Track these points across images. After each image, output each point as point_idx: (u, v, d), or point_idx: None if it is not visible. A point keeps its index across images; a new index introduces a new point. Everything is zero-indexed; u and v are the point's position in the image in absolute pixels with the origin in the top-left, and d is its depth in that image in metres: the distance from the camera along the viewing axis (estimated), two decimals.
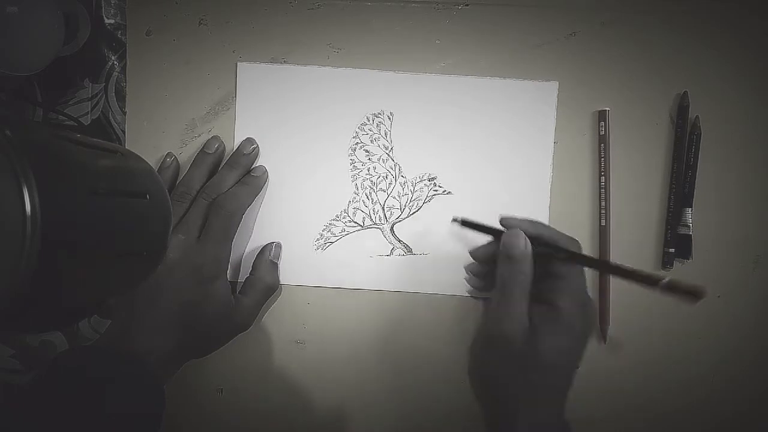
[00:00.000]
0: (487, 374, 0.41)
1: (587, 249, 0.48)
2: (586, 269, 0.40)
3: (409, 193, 0.49)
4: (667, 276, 0.35)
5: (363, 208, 0.49)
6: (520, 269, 0.38)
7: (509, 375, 0.39)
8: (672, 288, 0.34)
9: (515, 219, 0.41)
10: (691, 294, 0.34)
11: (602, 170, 0.48)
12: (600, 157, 0.48)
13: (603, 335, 0.49)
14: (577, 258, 0.39)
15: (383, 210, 0.49)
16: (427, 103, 0.48)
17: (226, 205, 0.44)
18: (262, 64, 0.48)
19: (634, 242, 0.48)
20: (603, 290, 0.48)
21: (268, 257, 0.48)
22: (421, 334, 0.49)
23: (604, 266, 0.46)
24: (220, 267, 0.44)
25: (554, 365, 0.38)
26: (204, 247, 0.43)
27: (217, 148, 0.47)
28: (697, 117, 0.47)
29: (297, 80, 0.48)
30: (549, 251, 0.39)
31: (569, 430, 0.39)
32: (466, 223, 0.43)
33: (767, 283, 0.48)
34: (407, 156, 0.49)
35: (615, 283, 0.48)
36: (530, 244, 0.39)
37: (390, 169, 0.49)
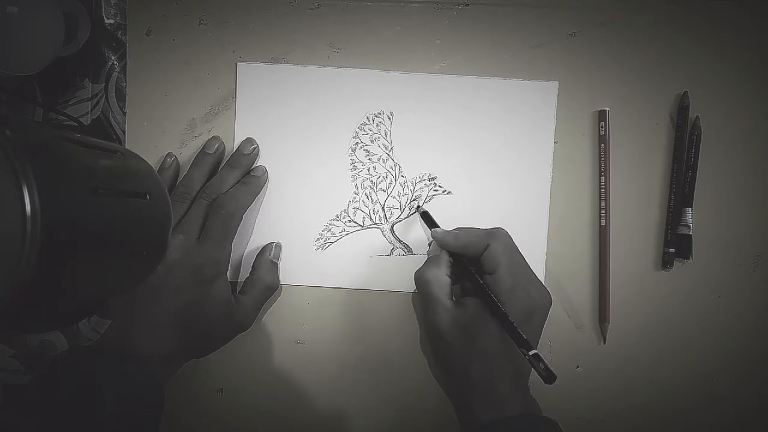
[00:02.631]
0: (440, 370, 0.47)
1: (588, 249, 0.48)
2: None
3: (409, 193, 0.49)
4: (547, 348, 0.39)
5: (363, 208, 0.49)
6: (432, 272, 0.43)
7: (455, 366, 0.42)
8: (534, 362, 0.38)
9: (438, 232, 0.46)
10: (545, 376, 0.37)
11: (602, 170, 0.48)
12: (600, 157, 0.48)
13: (603, 335, 0.49)
14: (466, 274, 0.44)
15: (383, 210, 0.49)
16: (427, 103, 0.48)
17: (226, 206, 0.44)
18: (262, 64, 0.48)
19: (634, 242, 0.48)
20: (603, 290, 0.48)
21: (268, 257, 0.48)
22: (421, 334, 0.49)
23: (480, 294, 0.43)
24: (220, 267, 0.44)
25: (494, 355, 0.40)
26: (204, 247, 0.43)
27: (217, 148, 0.47)
28: (697, 117, 0.47)
29: (297, 80, 0.48)
30: (458, 257, 0.44)
31: (536, 407, 0.41)
32: (424, 215, 0.48)
33: (767, 283, 0.48)
34: (407, 156, 0.49)
35: (615, 283, 0.48)
36: (445, 251, 0.44)
37: (390, 169, 0.49)
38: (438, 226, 0.47)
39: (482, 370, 0.41)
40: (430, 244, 0.48)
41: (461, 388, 0.42)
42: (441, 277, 0.43)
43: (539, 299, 0.42)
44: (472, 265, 0.44)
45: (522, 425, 0.39)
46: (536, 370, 0.37)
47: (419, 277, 0.44)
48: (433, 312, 0.43)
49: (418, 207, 0.48)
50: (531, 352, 0.38)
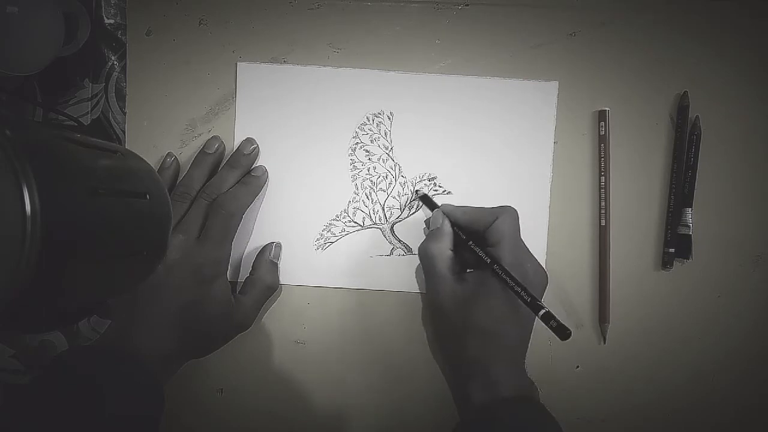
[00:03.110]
0: (440, 346, 0.47)
1: (588, 249, 0.48)
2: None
3: (409, 193, 0.49)
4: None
5: (363, 208, 0.49)
6: (435, 245, 0.43)
7: (453, 342, 0.43)
8: (546, 320, 0.38)
9: (448, 206, 0.46)
10: (558, 333, 0.37)
11: (602, 170, 0.48)
12: (600, 157, 0.48)
13: (603, 335, 0.49)
14: (471, 248, 0.43)
15: (383, 210, 0.49)
16: (427, 103, 0.48)
17: (226, 206, 0.44)
18: (262, 64, 0.48)
19: (634, 242, 0.48)
20: (603, 290, 0.48)
21: (268, 257, 0.48)
22: (421, 334, 0.49)
23: (490, 265, 0.42)
24: (220, 267, 0.44)
25: (489, 330, 0.41)
26: (204, 247, 0.43)
27: (217, 148, 0.47)
28: (697, 117, 0.47)
29: (297, 80, 0.48)
30: (459, 232, 0.44)
31: (533, 389, 0.42)
32: (424, 198, 0.48)
33: (767, 283, 0.48)
34: (407, 156, 0.49)
35: (615, 283, 0.48)
36: (449, 223, 0.44)
37: (390, 169, 0.49)
38: (438, 206, 0.47)
39: (478, 346, 0.41)
40: (426, 221, 0.48)
41: (457, 368, 0.43)
42: (444, 251, 0.44)
43: (535, 277, 0.43)
44: (476, 239, 0.44)
45: (515, 409, 0.39)
46: (549, 328, 0.38)
47: (423, 251, 0.45)
48: (435, 286, 0.43)
49: (417, 191, 0.48)
50: (542, 312, 0.38)
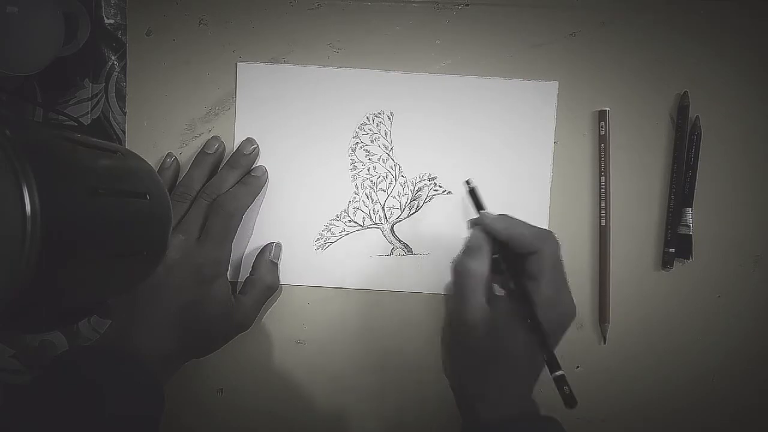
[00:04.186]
0: (455, 363, 0.43)
1: (588, 249, 0.48)
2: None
3: (409, 193, 0.49)
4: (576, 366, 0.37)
5: (363, 208, 0.49)
6: (474, 263, 0.40)
7: (473, 365, 0.41)
8: (558, 383, 0.37)
9: (489, 215, 0.41)
10: (567, 401, 0.36)
11: (602, 170, 0.48)
12: (600, 157, 0.48)
13: (603, 335, 0.49)
14: (508, 272, 0.40)
15: (383, 210, 0.49)
16: (427, 103, 0.48)
17: (226, 206, 0.44)
18: (262, 64, 0.48)
19: (634, 242, 0.48)
20: (603, 290, 0.48)
21: (268, 257, 0.48)
22: (421, 334, 0.49)
23: (521, 299, 0.40)
24: (220, 267, 0.44)
25: (516, 359, 0.39)
26: (204, 247, 0.43)
27: (217, 148, 0.47)
28: (697, 117, 0.47)
29: (297, 80, 0.48)
30: (497, 255, 0.41)
31: (534, 407, 0.41)
32: (472, 192, 0.43)
33: (767, 283, 0.48)
34: (407, 156, 0.49)
35: (615, 283, 0.48)
36: (488, 241, 0.40)
37: (390, 169, 0.49)
38: (484, 208, 0.42)
39: (501, 370, 0.39)
40: (470, 226, 0.42)
41: (472, 385, 0.41)
42: (481, 270, 0.40)
43: (569, 314, 0.40)
44: (514, 263, 0.41)
45: (528, 426, 0.39)
46: (559, 392, 0.36)
47: (460, 266, 0.40)
48: (466, 305, 0.40)
49: (467, 182, 0.43)
50: (558, 373, 0.37)
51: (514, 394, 0.40)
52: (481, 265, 0.40)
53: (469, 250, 0.41)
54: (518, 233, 0.40)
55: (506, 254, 0.41)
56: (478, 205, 0.43)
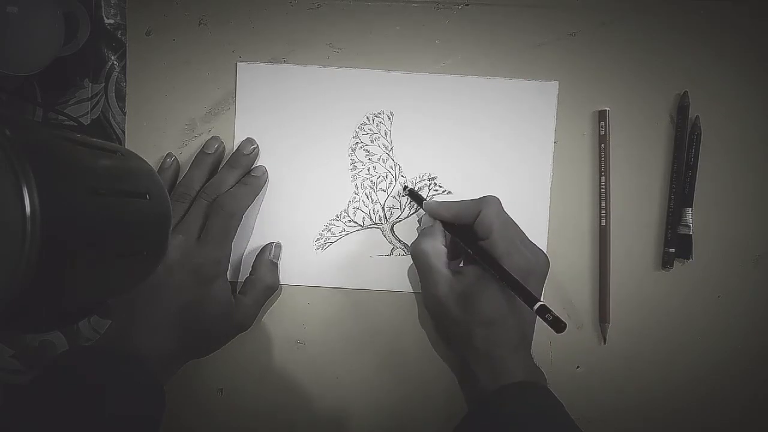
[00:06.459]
0: (449, 344, 0.47)
1: (588, 249, 0.48)
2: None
3: (403, 191, 0.49)
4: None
5: (363, 208, 0.49)
6: (427, 242, 0.44)
7: (457, 334, 0.43)
8: (541, 314, 0.37)
9: (431, 203, 0.46)
10: (554, 326, 0.36)
11: (602, 170, 0.48)
12: (600, 157, 0.48)
13: (603, 335, 0.49)
14: (461, 241, 0.44)
15: (383, 210, 0.49)
16: (427, 103, 0.48)
17: (226, 206, 0.44)
18: (262, 64, 0.48)
19: (634, 242, 0.48)
20: (603, 290, 0.48)
21: (268, 257, 0.47)
22: (421, 334, 0.49)
23: (482, 262, 0.42)
24: (220, 267, 0.44)
25: (492, 319, 0.41)
26: (204, 247, 0.43)
27: (217, 148, 0.47)
28: (697, 117, 0.47)
29: (297, 80, 0.48)
30: (449, 229, 0.45)
31: (540, 375, 0.42)
32: (411, 193, 0.48)
33: (767, 283, 0.48)
34: (407, 156, 0.49)
35: (615, 283, 0.48)
36: (438, 223, 0.45)
37: (390, 169, 0.49)
38: (425, 199, 0.47)
39: (485, 337, 0.41)
40: (419, 220, 0.48)
41: (464, 358, 0.43)
42: (437, 247, 0.44)
43: (535, 260, 0.42)
44: (466, 234, 0.43)
45: (522, 394, 0.39)
46: (544, 321, 0.37)
47: (416, 249, 0.44)
48: (433, 283, 0.43)
49: (405, 187, 0.48)
50: (536, 305, 0.37)
51: (510, 360, 0.41)
52: (435, 243, 0.44)
53: (422, 233, 0.45)
54: (457, 206, 0.44)
55: (458, 232, 0.44)
56: (419, 201, 0.47)
